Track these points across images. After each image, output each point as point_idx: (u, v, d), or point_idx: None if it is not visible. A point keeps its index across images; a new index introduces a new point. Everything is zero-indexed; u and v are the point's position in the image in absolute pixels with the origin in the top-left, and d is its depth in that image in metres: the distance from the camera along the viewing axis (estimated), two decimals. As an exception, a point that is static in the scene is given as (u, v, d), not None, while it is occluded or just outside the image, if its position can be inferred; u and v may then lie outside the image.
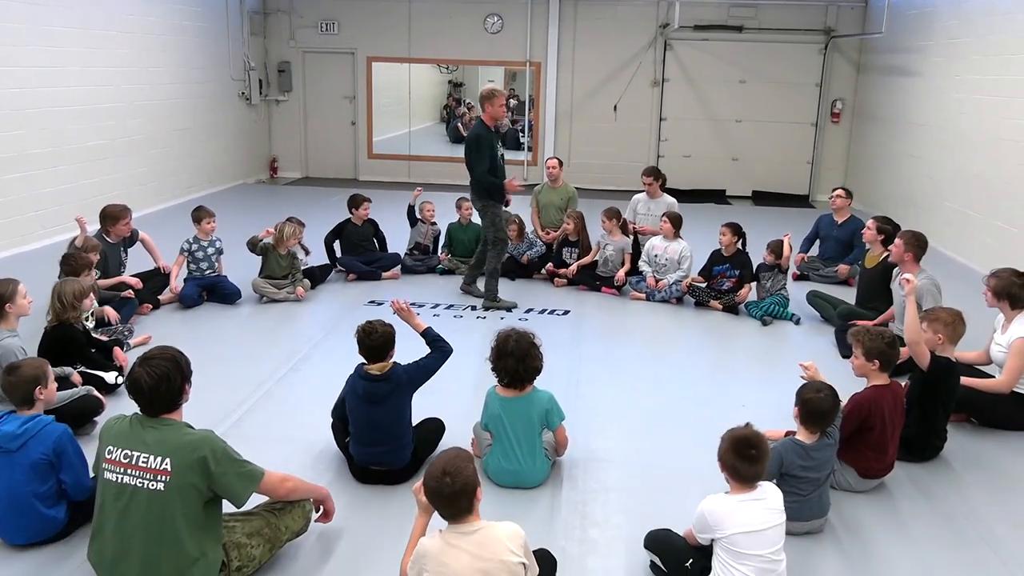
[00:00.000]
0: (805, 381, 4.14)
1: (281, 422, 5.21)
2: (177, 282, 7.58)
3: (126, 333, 6.43)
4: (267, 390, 5.69)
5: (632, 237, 8.56)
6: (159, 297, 7.48)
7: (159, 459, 3.10)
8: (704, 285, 7.88)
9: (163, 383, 3.15)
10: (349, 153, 15.24)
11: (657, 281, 7.99)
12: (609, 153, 14.52)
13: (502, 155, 7.48)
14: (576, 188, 9.63)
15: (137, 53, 11.17)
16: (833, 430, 3.99)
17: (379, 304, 7.68)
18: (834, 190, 9.13)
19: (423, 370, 4.52)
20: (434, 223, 9.15)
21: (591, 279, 8.40)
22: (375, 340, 4.32)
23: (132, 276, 7.25)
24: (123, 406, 4.81)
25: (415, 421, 4.60)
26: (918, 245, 6.19)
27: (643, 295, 8.05)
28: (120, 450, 3.14)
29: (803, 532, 3.94)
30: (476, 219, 9.04)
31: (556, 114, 14.71)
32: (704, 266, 7.94)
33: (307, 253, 8.32)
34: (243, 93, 14.03)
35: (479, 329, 7.08)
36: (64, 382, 4.89)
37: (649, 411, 5.52)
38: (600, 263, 8.46)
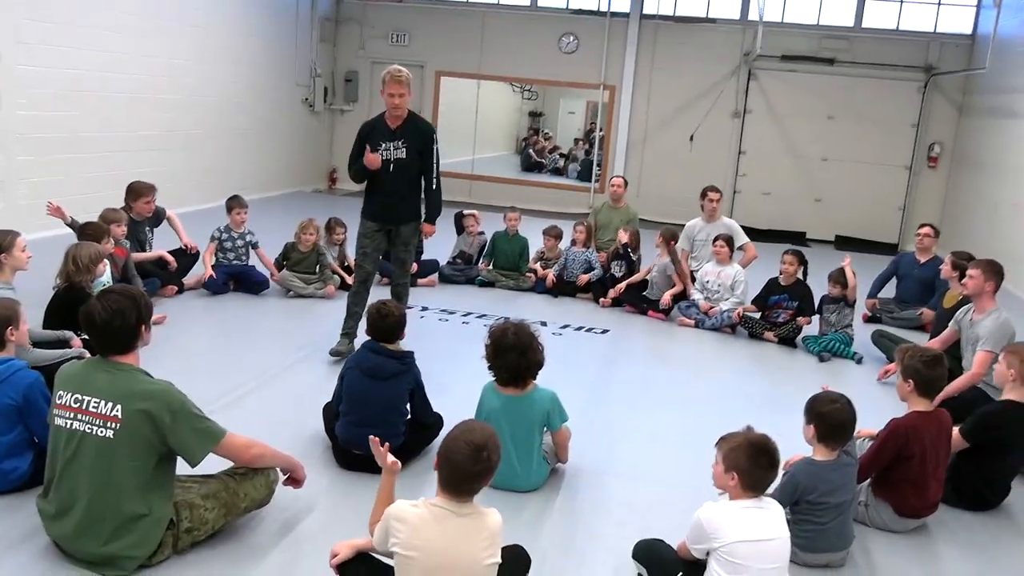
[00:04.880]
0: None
1: (278, 406, 4.91)
2: (210, 270, 7.25)
3: (141, 309, 6.08)
4: (272, 375, 5.42)
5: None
6: (183, 280, 7.24)
7: (109, 404, 2.95)
8: (758, 316, 7.13)
9: (117, 317, 3.00)
10: (411, 168, 14.86)
11: (710, 307, 7.22)
12: (682, 185, 13.66)
13: (390, 159, 5.60)
14: (643, 219, 8.94)
15: (201, 47, 11.05)
16: (852, 447, 3.60)
17: (407, 308, 7.10)
18: (921, 226, 8.20)
19: (425, 398, 4.29)
20: (481, 232, 8.78)
21: (639, 300, 7.68)
22: (389, 322, 4.18)
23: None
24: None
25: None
26: (996, 273, 5.43)
27: (692, 321, 7.34)
28: (71, 394, 3.01)
29: (821, 564, 3.52)
30: (523, 231, 8.54)
31: (628, 141, 14.09)
32: (759, 295, 7.27)
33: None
34: (307, 99, 13.84)
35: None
36: (62, 345, 4.73)
37: (673, 432, 5.00)
38: (650, 285, 7.73)
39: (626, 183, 9.32)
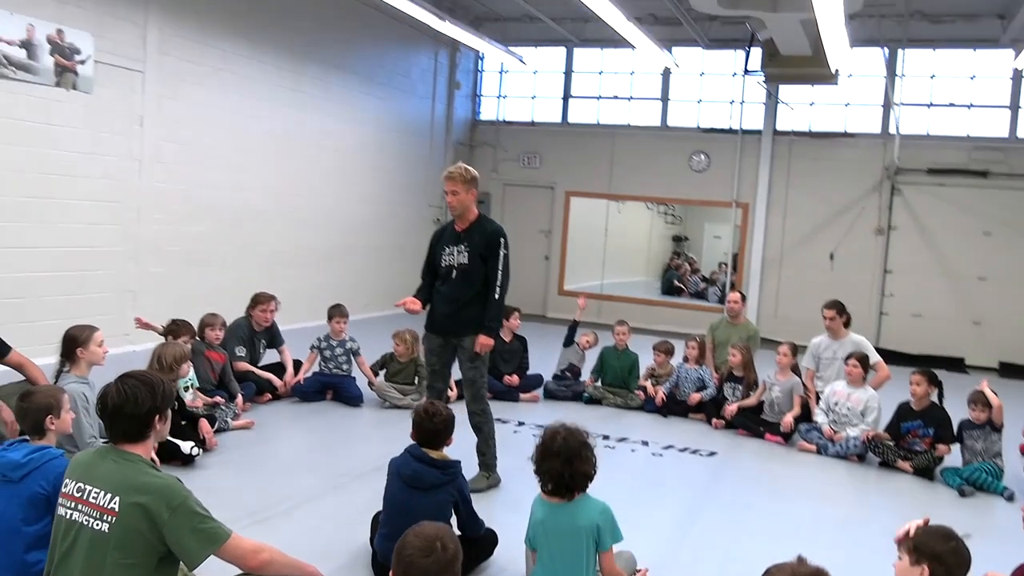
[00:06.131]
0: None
1: (338, 514, 4.75)
2: (301, 376, 7.47)
3: (224, 409, 6.25)
4: (345, 482, 5.32)
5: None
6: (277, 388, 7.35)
7: (108, 496, 2.77)
8: (892, 443, 6.37)
9: (129, 403, 2.84)
10: (540, 287, 14.81)
11: (835, 432, 6.55)
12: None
13: (453, 264, 5.36)
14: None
15: (335, 168, 11.65)
16: None
17: (503, 422, 6.85)
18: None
19: (472, 512, 3.99)
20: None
21: (754, 423, 7.08)
22: (436, 423, 3.93)
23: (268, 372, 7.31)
24: (193, 476, 4.78)
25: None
26: None
27: (814, 447, 6.65)
28: (75, 483, 2.86)
29: None
30: (632, 346, 8.19)
31: (763, 259, 13.53)
32: (890, 422, 6.52)
33: None
34: (438, 220, 14.17)
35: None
36: None
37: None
38: (766, 406, 7.13)
39: (744, 298, 8.87)
